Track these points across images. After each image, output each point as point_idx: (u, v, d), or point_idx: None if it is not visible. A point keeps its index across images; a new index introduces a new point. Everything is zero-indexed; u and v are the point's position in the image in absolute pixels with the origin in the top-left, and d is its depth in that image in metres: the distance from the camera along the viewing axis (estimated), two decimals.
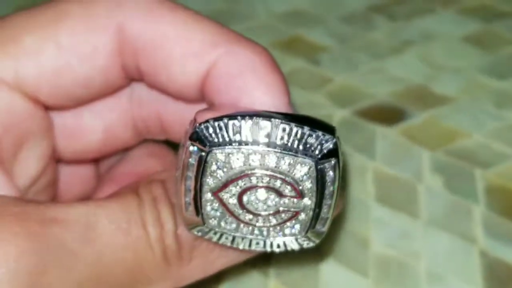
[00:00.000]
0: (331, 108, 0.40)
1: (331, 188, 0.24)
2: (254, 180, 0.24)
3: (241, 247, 0.26)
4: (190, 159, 0.24)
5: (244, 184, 0.24)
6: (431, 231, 0.34)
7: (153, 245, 0.25)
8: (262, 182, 0.24)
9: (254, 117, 0.24)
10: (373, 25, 0.46)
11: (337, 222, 0.34)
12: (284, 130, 0.24)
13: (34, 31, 0.26)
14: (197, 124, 0.24)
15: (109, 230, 0.24)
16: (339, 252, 0.33)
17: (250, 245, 0.26)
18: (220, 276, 0.32)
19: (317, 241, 0.25)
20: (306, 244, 0.26)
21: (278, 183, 0.24)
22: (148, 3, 0.26)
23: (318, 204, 0.24)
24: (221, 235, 0.25)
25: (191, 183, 0.24)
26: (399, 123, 0.39)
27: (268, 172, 0.24)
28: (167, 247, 0.25)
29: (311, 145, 0.24)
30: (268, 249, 0.26)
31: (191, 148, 0.24)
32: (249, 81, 0.25)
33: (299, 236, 0.25)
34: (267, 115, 0.24)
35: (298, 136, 0.24)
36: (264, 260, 0.33)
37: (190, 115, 0.25)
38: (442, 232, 0.34)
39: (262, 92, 0.25)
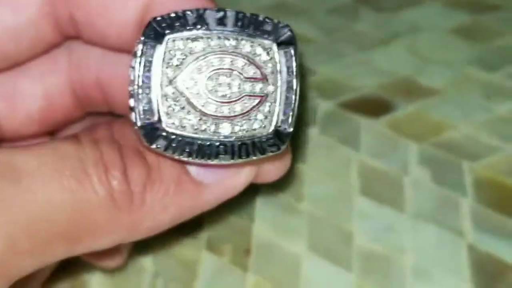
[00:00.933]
0: (316, 100, 0.39)
1: (294, 76, 0.24)
2: (215, 61, 0.23)
3: (202, 161, 0.24)
4: (140, 53, 0.23)
5: (205, 67, 0.23)
6: (418, 225, 0.33)
7: (95, 187, 0.23)
8: (223, 63, 0.23)
9: (209, 9, 0.23)
10: (359, 17, 0.45)
11: (320, 215, 0.33)
12: (238, 16, 0.23)
13: None
14: (150, 20, 0.23)
15: (39, 172, 0.22)
16: (321, 245, 0.32)
17: (216, 154, 0.24)
18: (197, 271, 0.31)
19: (282, 144, 0.24)
20: (271, 150, 0.24)
21: (240, 65, 0.23)
22: None
23: (282, 92, 0.24)
24: (182, 148, 0.23)
25: (148, 82, 0.23)
26: (385, 115, 0.38)
27: (229, 53, 0.23)
28: (114, 189, 0.23)
29: (268, 31, 0.24)
30: (234, 159, 0.24)
31: (144, 42, 0.23)
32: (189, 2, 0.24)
33: (264, 133, 0.24)
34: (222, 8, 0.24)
35: (253, 21, 0.23)
36: (244, 255, 0.32)
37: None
38: (429, 226, 0.32)
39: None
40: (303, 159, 0.36)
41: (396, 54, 0.42)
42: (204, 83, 0.23)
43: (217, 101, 0.23)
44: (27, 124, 0.28)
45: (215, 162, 0.24)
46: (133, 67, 0.23)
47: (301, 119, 0.38)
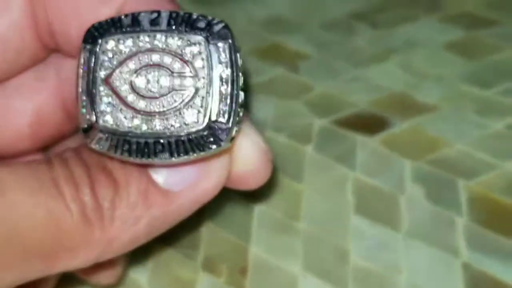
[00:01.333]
0: (311, 117, 0.39)
1: (227, 70, 0.24)
2: (144, 59, 0.24)
3: (143, 160, 0.24)
4: (81, 60, 0.24)
5: (134, 65, 0.24)
6: (412, 243, 0.33)
7: (68, 204, 0.23)
8: (151, 60, 0.24)
9: (144, 11, 0.24)
10: (354, 32, 0.46)
11: (316, 234, 0.33)
12: (171, 16, 0.24)
13: None
14: (89, 26, 0.24)
15: (15, 187, 0.23)
16: (317, 264, 0.32)
17: (154, 152, 0.24)
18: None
19: (220, 140, 0.24)
20: (210, 146, 0.24)
21: (168, 60, 0.24)
22: None
23: (214, 86, 0.24)
24: (122, 148, 0.24)
25: (84, 83, 0.24)
26: (380, 133, 0.38)
27: (157, 50, 0.24)
28: (85, 205, 0.23)
29: (200, 27, 0.24)
30: (174, 156, 0.24)
31: (84, 47, 0.24)
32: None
33: (199, 128, 0.24)
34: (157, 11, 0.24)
35: (186, 19, 0.24)
36: (240, 274, 0.32)
37: None
38: (424, 244, 0.33)
39: None
40: (299, 177, 0.36)
41: (391, 70, 0.43)
42: (134, 80, 0.24)
43: (146, 97, 0.24)
44: (18, 141, 0.28)
45: (156, 161, 0.24)
46: (77, 73, 0.24)
47: (296, 136, 0.38)
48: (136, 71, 0.24)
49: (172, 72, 0.24)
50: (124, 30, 0.24)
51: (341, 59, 0.43)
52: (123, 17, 0.24)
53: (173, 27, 0.24)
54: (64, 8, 0.26)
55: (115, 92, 0.24)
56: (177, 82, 0.24)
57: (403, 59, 0.43)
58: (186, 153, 0.24)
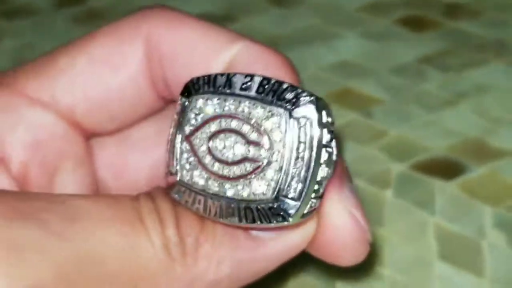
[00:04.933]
0: (387, 162, 0.40)
1: (304, 147, 0.23)
2: (223, 123, 0.24)
3: (216, 217, 0.24)
4: (176, 111, 0.25)
5: (214, 126, 0.24)
6: None
7: (151, 235, 0.23)
8: (230, 125, 0.24)
9: (239, 73, 0.24)
10: (424, 77, 0.46)
11: (401, 280, 0.33)
12: (262, 83, 0.24)
13: (67, 50, 0.28)
14: (188, 81, 0.25)
15: (95, 215, 0.23)
16: None
17: (224, 214, 0.24)
18: None
19: (288, 216, 0.24)
20: (276, 219, 0.24)
21: (246, 128, 0.24)
22: (169, 13, 0.28)
23: (289, 162, 0.23)
24: (195, 200, 0.24)
25: (173, 133, 0.25)
26: (457, 178, 0.39)
27: (239, 116, 0.24)
28: (169, 240, 0.24)
29: (288, 98, 0.24)
30: (242, 222, 0.24)
31: (179, 98, 0.25)
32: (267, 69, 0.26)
33: (267, 200, 0.24)
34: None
35: (275, 89, 0.24)
36: None
37: None
38: None
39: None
40: (380, 222, 0.36)
41: (464, 114, 0.43)
42: (212, 142, 0.24)
43: (220, 161, 0.24)
44: (131, 189, 0.29)
45: (225, 221, 0.24)
46: (172, 123, 0.25)
47: (374, 180, 0.39)
48: (215, 134, 0.24)
49: (247, 141, 0.24)
50: (215, 90, 0.24)
51: (412, 104, 0.44)
52: (218, 76, 0.25)
53: (261, 95, 0.24)
54: (178, 62, 0.27)
55: (193, 150, 0.24)
56: (251, 152, 0.24)
57: (474, 104, 0.44)
58: (253, 221, 0.24)
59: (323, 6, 0.53)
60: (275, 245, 0.25)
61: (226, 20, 0.52)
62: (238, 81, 0.24)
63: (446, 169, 0.39)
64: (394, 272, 0.34)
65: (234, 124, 0.24)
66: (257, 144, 0.24)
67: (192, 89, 0.25)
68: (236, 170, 0.24)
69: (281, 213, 0.24)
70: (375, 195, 0.38)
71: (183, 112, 0.25)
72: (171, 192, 0.25)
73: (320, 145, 0.24)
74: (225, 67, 0.26)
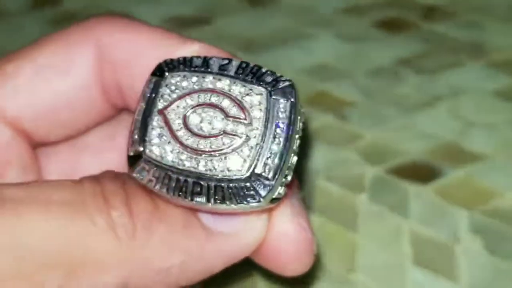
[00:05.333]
0: (362, 166, 0.39)
1: (283, 127, 0.23)
2: (203, 97, 0.24)
3: (180, 197, 0.23)
4: (146, 89, 0.24)
5: (192, 101, 0.24)
6: None
7: (93, 217, 0.22)
8: (210, 100, 0.24)
9: (216, 57, 0.24)
10: (400, 79, 0.46)
11: (373, 286, 0.33)
12: (241, 66, 0.24)
13: (14, 58, 0.27)
14: (160, 62, 0.25)
15: (27, 200, 0.22)
16: None
17: (191, 193, 0.23)
18: None
19: (260, 196, 0.23)
20: (248, 199, 0.23)
21: (226, 103, 0.24)
22: (121, 20, 0.27)
23: (266, 140, 0.23)
24: (160, 178, 0.23)
25: (141, 113, 0.24)
26: (432, 181, 0.38)
27: (219, 91, 0.24)
28: (114, 221, 0.22)
29: (267, 81, 0.24)
30: (210, 202, 0.23)
31: (150, 79, 0.24)
32: None
33: (241, 177, 0.23)
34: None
35: (254, 71, 0.24)
36: None
37: None
38: None
39: None
40: (355, 227, 0.36)
41: (440, 117, 0.42)
42: (188, 115, 0.24)
43: (196, 135, 0.24)
44: None
45: (191, 204, 0.24)
46: (139, 102, 0.24)
47: (349, 184, 0.38)
48: (193, 108, 0.24)
49: (227, 116, 0.24)
50: (192, 69, 0.24)
51: (388, 106, 0.43)
52: (194, 57, 0.25)
53: (240, 75, 0.24)
54: (132, 68, 0.27)
55: (167, 124, 0.24)
56: (230, 127, 0.24)
57: (450, 106, 0.43)
58: (223, 200, 0.23)
59: (299, 8, 0.52)
60: (226, 241, 0.24)
61: (201, 22, 0.51)
62: (215, 62, 0.24)
63: (422, 173, 0.39)
64: (367, 278, 0.33)
65: (214, 99, 0.24)
66: (237, 119, 0.23)
67: (165, 68, 0.24)
68: (213, 144, 0.23)
69: (253, 193, 0.23)
70: (349, 199, 0.37)
71: (155, 88, 0.24)
72: (132, 172, 0.24)
73: (295, 131, 0.24)
74: None
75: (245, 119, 0.24)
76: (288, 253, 0.26)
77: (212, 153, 0.23)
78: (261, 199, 0.23)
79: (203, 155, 0.23)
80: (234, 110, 0.24)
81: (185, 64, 0.24)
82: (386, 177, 0.39)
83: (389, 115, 0.43)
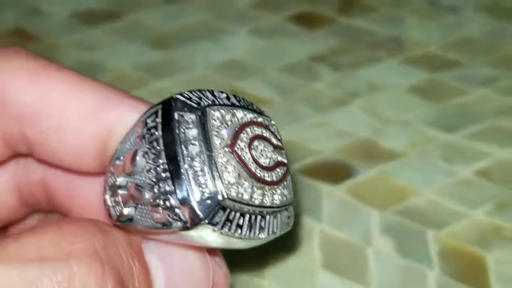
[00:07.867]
0: None
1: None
2: (250, 131, 0.23)
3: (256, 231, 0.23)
4: (184, 128, 0.22)
5: (247, 135, 0.22)
6: None
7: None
8: (259, 132, 0.23)
9: (216, 91, 0.23)
10: (315, 75, 0.45)
11: None
12: (237, 98, 0.24)
13: None
14: (172, 96, 0.22)
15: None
16: None
17: (275, 227, 0.24)
18: None
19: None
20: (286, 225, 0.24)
21: (267, 134, 0.23)
22: (32, 65, 0.23)
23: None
24: (245, 218, 0.22)
25: (195, 150, 0.21)
26: (345, 181, 0.37)
27: (257, 125, 0.23)
28: None
29: (258, 110, 0.24)
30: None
31: (180, 113, 0.22)
32: None
33: (288, 207, 0.23)
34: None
35: (249, 103, 0.24)
36: None
37: (80, 188, 0.23)
38: None
39: None
40: None
41: (355, 114, 0.42)
42: (251, 150, 0.22)
43: (262, 168, 0.22)
44: None
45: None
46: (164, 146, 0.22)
47: None
48: (251, 142, 0.23)
49: (274, 146, 0.23)
50: (217, 102, 0.23)
51: (302, 104, 0.42)
52: (203, 91, 0.23)
53: (249, 106, 0.24)
54: (43, 122, 0.23)
55: (240, 159, 0.22)
56: (277, 155, 0.23)
57: (366, 103, 0.42)
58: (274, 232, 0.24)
59: (214, 2, 0.51)
60: None
61: (112, 17, 0.49)
62: (220, 95, 0.23)
63: (335, 172, 0.38)
64: (274, 284, 0.32)
65: (257, 130, 0.23)
66: (280, 148, 0.23)
67: (190, 102, 0.22)
68: (275, 175, 0.23)
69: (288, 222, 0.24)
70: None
71: (199, 125, 0.22)
72: (211, 221, 0.21)
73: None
74: (107, 130, 0.23)
75: (281, 146, 0.24)
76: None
77: (277, 183, 0.23)
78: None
79: (270, 187, 0.23)
80: (274, 140, 0.23)
81: (203, 99, 0.23)
82: (299, 177, 0.37)
83: (303, 113, 0.42)
